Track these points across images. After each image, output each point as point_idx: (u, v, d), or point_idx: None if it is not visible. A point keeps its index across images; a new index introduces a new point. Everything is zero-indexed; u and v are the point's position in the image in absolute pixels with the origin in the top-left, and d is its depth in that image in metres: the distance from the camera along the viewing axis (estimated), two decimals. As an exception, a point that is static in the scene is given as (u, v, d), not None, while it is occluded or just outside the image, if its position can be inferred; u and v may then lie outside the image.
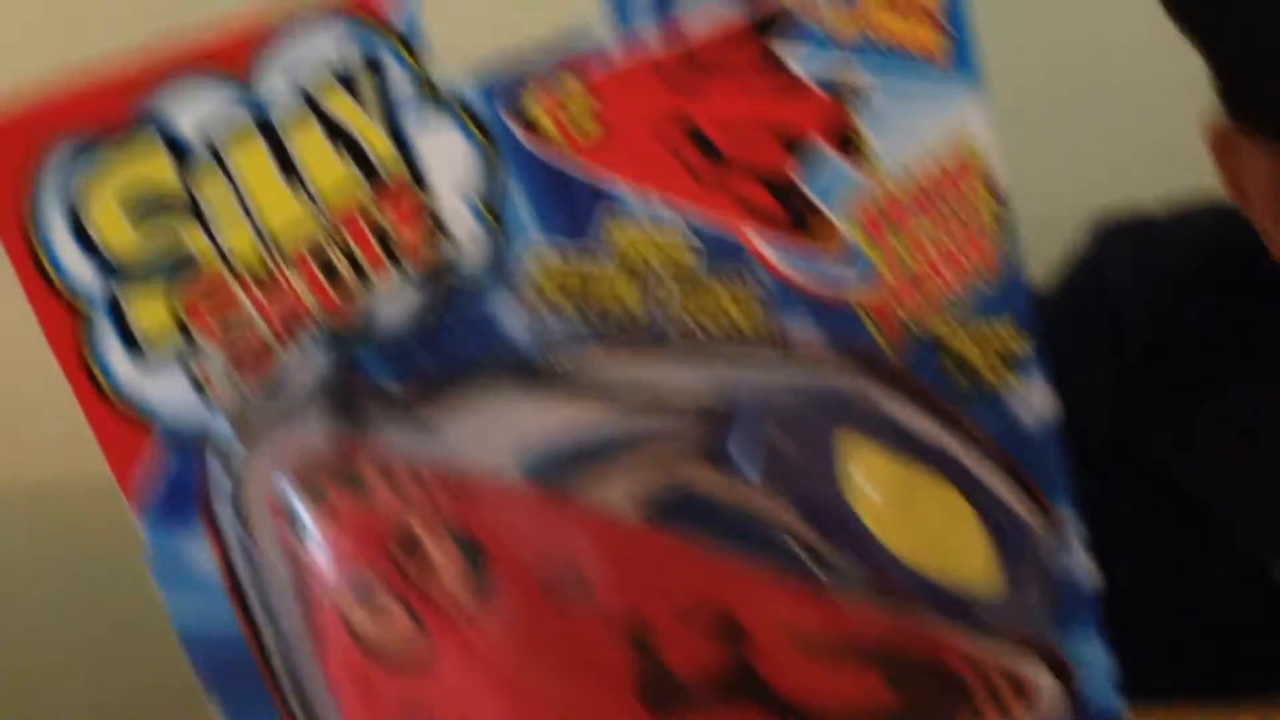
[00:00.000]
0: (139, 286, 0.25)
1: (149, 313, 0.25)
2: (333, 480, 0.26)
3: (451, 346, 0.28)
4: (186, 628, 0.26)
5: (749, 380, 0.31)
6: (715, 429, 0.30)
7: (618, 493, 0.30)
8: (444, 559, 0.26)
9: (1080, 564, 0.36)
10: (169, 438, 0.26)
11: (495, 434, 0.28)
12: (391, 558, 0.26)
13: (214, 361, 0.26)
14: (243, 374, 0.26)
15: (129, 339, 0.25)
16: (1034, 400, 0.34)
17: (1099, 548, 0.49)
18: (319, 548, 0.26)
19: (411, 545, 0.26)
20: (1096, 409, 0.54)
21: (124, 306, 0.25)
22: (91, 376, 0.25)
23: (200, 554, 0.26)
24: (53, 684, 0.95)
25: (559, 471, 0.29)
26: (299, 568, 0.26)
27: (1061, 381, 0.46)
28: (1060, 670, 0.36)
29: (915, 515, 0.32)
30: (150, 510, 0.26)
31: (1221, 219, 0.50)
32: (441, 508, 0.26)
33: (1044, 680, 0.36)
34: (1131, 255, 0.55)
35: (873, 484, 0.31)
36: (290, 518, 0.26)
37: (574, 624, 0.28)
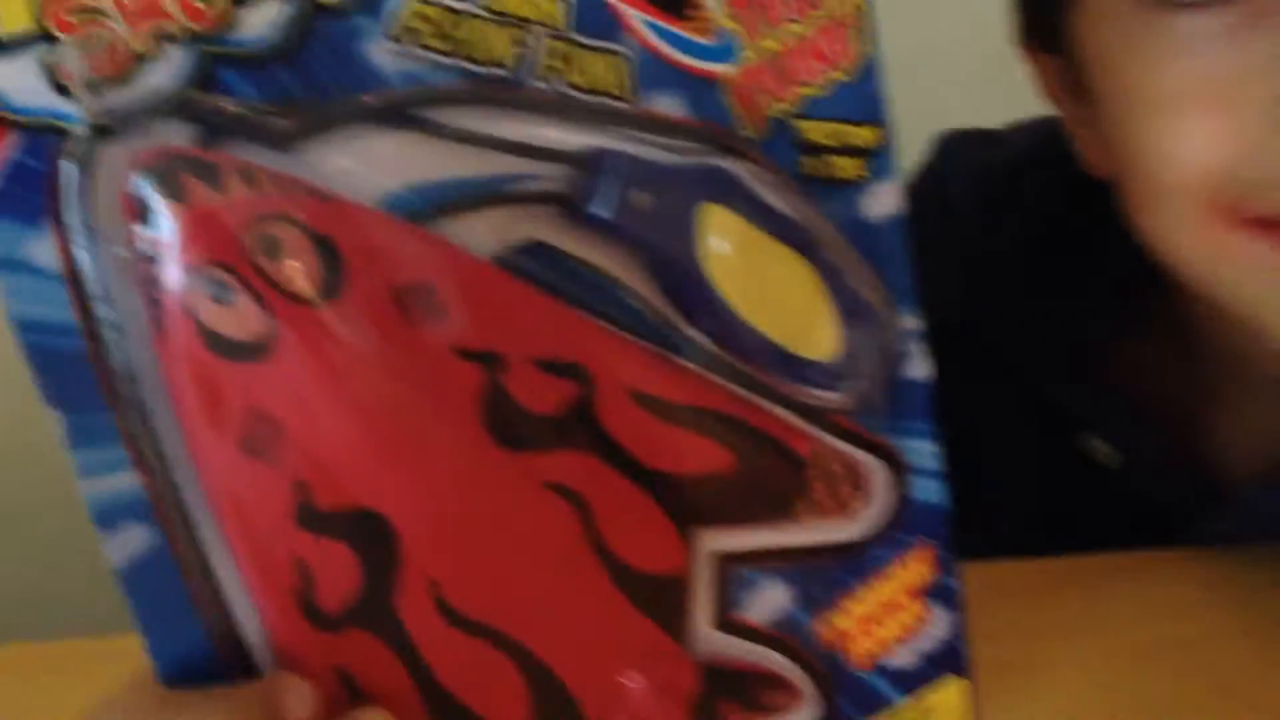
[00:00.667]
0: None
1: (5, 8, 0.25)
2: (191, 175, 0.26)
3: (316, 70, 0.28)
4: (21, 311, 0.26)
5: (615, 145, 0.31)
6: (579, 187, 0.31)
7: (477, 238, 0.30)
8: (298, 254, 0.26)
9: (919, 367, 0.38)
10: (20, 127, 0.25)
11: (355, 165, 0.28)
12: (245, 250, 0.26)
13: (72, 57, 0.26)
14: (102, 73, 0.26)
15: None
16: (883, 196, 0.35)
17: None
18: (172, 241, 0.26)
19: (266, 240, 0.26)
20: (948, 301, 0.57)
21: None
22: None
23: (41, 246, 0.26)
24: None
25: (419, 209, 0.29)
26: (145, 265, 0.26)
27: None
28: (894, 464, 0.38)
29: (767, 285, 0.33)
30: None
31: (1052, 128, 0.53)
32: (300, 207, 0.27)
33: (878, 472, 0.38)
34: (968, 160, 0.59)
35: (729, 252, 0.32)
36: (143, 214, 0.26)
37: (424, 343, 0.29)
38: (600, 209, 0.31)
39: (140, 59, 0.26)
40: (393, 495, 0.30)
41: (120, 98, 0.26)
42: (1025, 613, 0.49)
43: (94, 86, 0.26)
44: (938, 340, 0.56)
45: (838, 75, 0.35)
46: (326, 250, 0.27)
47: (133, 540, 0.28)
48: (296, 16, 0.27)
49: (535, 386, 0.30)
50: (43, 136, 0.26)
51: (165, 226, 0.26)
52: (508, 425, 0.30)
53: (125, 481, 0.28)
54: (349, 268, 0.27)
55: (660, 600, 0.35)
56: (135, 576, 0.28)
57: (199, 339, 0.27)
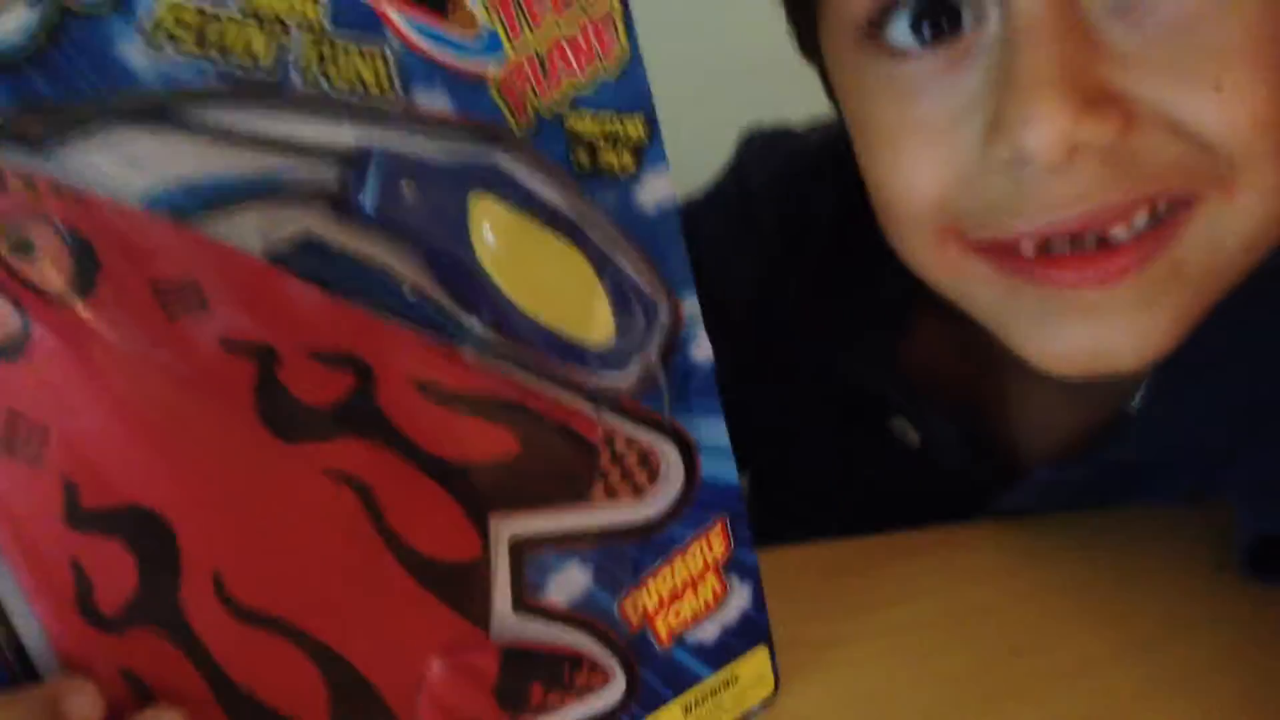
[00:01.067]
0: None
1: None
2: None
3: (69, 73, 0.28)
4: None
5: (383, 140, 0.32)
6: (346, 181, 0.32)
7: (244, 234, 0.31)
8: (51, 253, 0.27)
9: (701, 349, 0.39)
10: None
11: (114, 165, 0.29)
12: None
13: None
14: None
15: None
16: (655, 185, 0.37)
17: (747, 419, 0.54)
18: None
19: (16, 239, 0.27)
20: (740, 299, 0.59)
21: None
22: None
23: None
24: None
25: (181, 207, 0.30)
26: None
27: (709, 277, 0.50)
28: (684, 445, 0.39)
29: (540, 273, 0.34)
30: None
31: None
32: (52, 208, 0.27)
33: (669, 453, 0.39)
34: (769, 158, 0.61)
35: (501, 243, 0.33)
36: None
37: (191, 339, 0.29)
38: (368, 203, 0.31)
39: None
40: (165, 490, 0.30)
41: None
42: (842, 590, 0.51)
43: None
44: (743, 328, 0.58)
45: (602, 70, 0.36)
46: (81, 248, 0.27)
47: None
48: (45, 20, 0.27)
49: (311, 378, 0.31)
50: None
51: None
52: (283, 417, 0.31)
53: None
54: (106, 265, 0.28)
55: (457, 586, 0.36)
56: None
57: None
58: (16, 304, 0.27)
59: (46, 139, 0.28)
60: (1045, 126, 0.38)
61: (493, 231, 0.33)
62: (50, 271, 0.27)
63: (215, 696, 0.32)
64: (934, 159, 0.43)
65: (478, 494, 0.35)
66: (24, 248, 0.27)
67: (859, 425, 0.59)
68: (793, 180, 0.59)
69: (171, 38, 0.29)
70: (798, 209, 0.58)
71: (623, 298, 0.36)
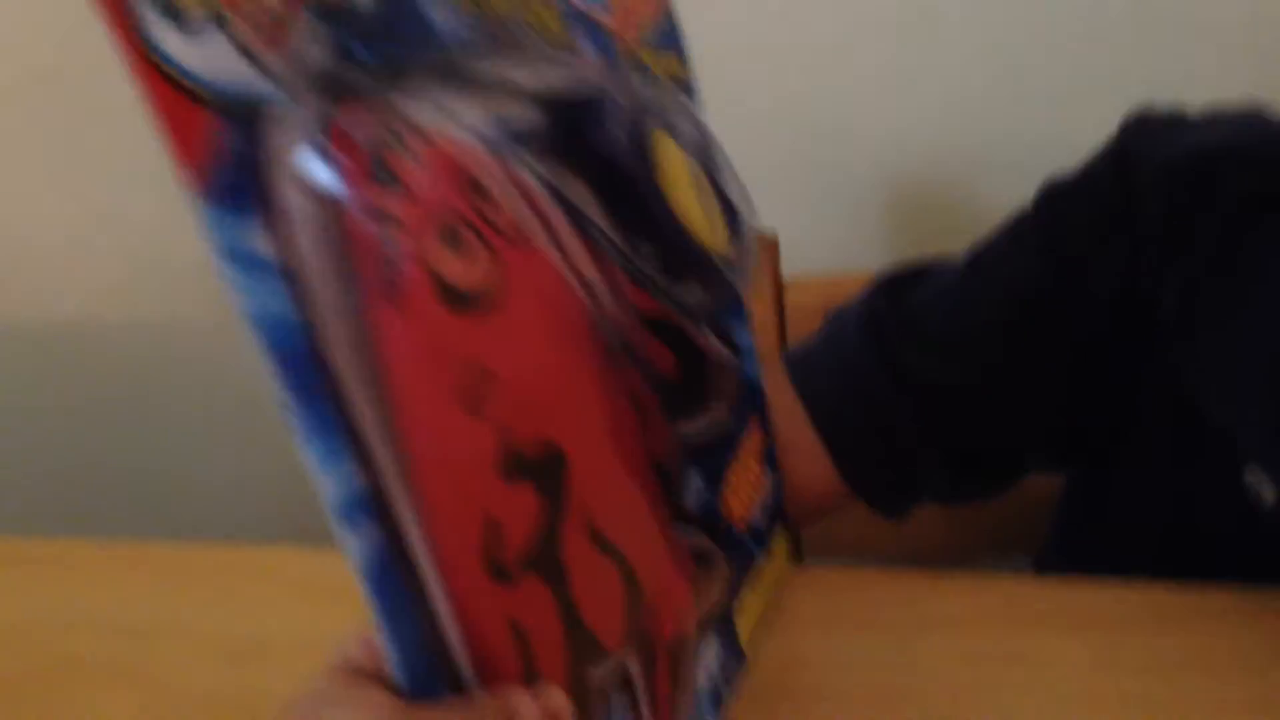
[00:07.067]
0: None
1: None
2: (393, 145, 0.25)
3: (403, 30, 0.28)
4: (252, 310, 0.24)
5: (582, 83, 0.35)
6: (561, 122, 0.34)
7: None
8: (502, 194, 0.27)
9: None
10: (222, 107, 0.24)
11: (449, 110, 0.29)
12: (467, 197, 0.26)
13: (238, 30, 0.24)
14: (265, 45, 0.25)
15: (167, 8, 0.23)
16: (696, 112, 0.42)
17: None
18: (404, 199, 0.25)
19: (474, 185, 0.27)
20: (1104, 289, 0.51)
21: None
22: (144, 52, 0.22)
23: (258, 236, 0.24)
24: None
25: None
26: (370, 233, 0.25)
27: (1074, 262, 0.48)
28: (734, 348, 0.45)
29: (697, 199, 0.38)
30: (215, 190, 0.23)
31: (1249, 117, 0.51)
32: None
33: (729, 357, 0.44)
34: (1156, 140, 0.52)
35: (678, 176, 0.37)
36: (374, 175, 0.25)
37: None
38: (596, 137, 0.34)
39: (288, 27, 0.25)
40: (568, 426, 0.31)
41: (295, 68, 0.25)
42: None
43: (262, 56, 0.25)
44: (1098, 317, 0.50)
45: (657, 22, 0.41)
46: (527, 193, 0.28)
47: (361, 540, 0.27)
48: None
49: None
50: (245, 119, 0.24)
51: (395, 187, 0.25)
52: (611, 346, 0.33)
53: (353, 477, 0.26)
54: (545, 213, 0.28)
55: (667, 497, 0.39)
56: (371, 576, 0.27)
57: (434, 294, 0.26)
58: (491, 248, 0.27)
59: (406, 89, 0.28)
60: None
61: (668, 163, 0.37)
62: (505, 208, 0.27)
63: (566, 636, 0.33)
64: None
65: (668, 403, 0.39)
66: (476, 188, 0.27)
67: (1202, 463, 0.51)
68: (1183, 157, 0.50)
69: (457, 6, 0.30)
70: (1193, 213, 0.50)
71: (730, 212, 0.40)
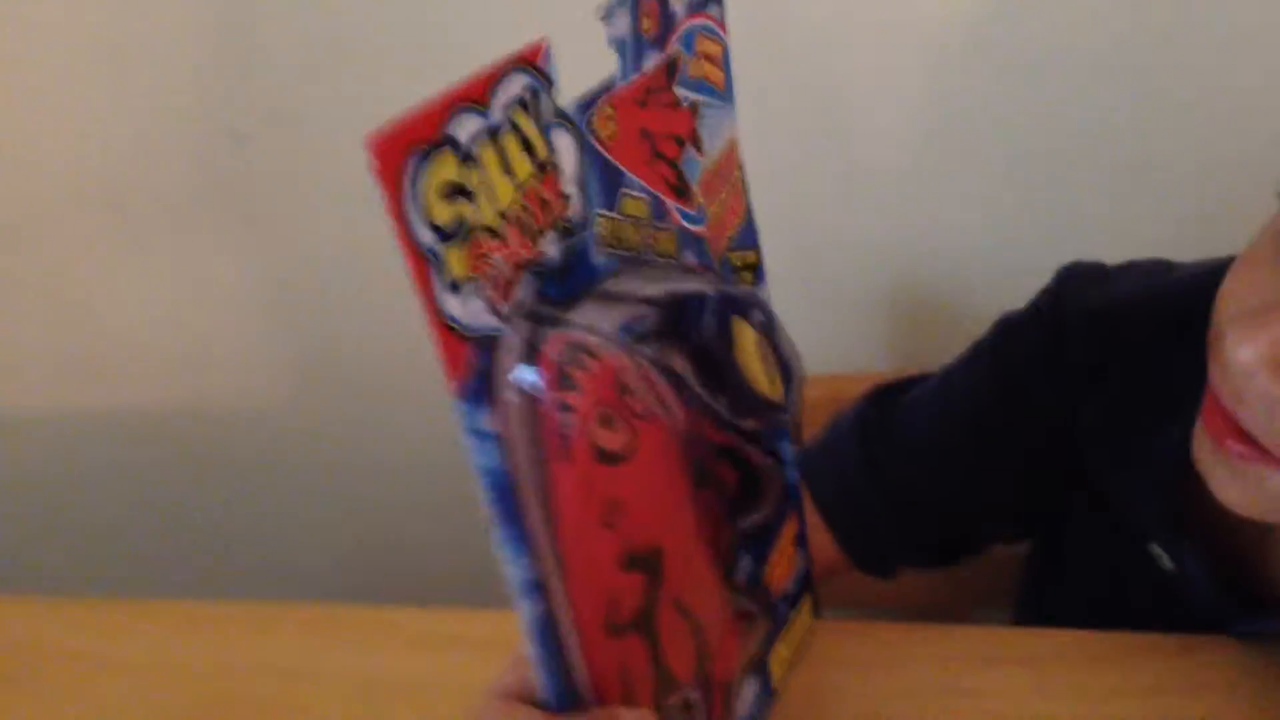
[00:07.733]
0: (451, 246, 0.38)
1: (456, 262, 0.38)
2: (572, 358, 0.41)
3: (578, 272, 0.43)
4: (482, 462, 0.39)
5: (687, 287, 0.49)
6: (671, 316, 0.48)
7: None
8: (643, 392, 0.42)
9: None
10: (474, 341, 0.38)
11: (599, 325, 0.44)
12: (617, 392, 0.42)
13: (485, 291, 0.39)
14: (500, 298, 0.40)
15: (451, 283, 0.38)
16: (764, 295, 0.56)
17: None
18: (578, 394, 0.40)
19: (621, 384, 0.42)
20: (1045, 406, 0.66)
21: (444, 260, 0.38)
22: (438, 313, 0.37)
23: (485, 417, 0.39)
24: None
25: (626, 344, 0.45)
26: (552, 415, 0.40)
27: (1024, 382, 0.65)
28: (779, 461, 0.59)
29: (764, 366, 0.53)
30: (466, 392, 0.38)
31: (1154, 272, 0.65)
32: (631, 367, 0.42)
33: (775, 468, 0.59)
34: (1083, 289, 0.66)
35: (749, 348, 0.52)
36: (560, 380, 0.40)
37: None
38: (693, 329, 0.49)
39: (515, 284, 0.40)
40: (666, 531, 0.46)
41: (511, 309, 0.40)
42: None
43: (498, 305, 0.39)
44: (1041, 427, 0.67)
45: (739, 225, 0.55)
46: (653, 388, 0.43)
47: (531, 608, 0.41)
48: (565, 246, 0.43)
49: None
50: (487, 347, 0.39)
51: (573, 388, 0.40)
52: (695, 471, 0.48)
53: (528, 568, 0.41)
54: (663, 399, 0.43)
55: (727, 568, 0.53)
56: (535, 632, 0.42)
57: (590, 453, 0.41)
58: (630, 427, 0.42)
59: (577, 314, 0.43)
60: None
61: (745, 342, 0.51)
62: (644, 401, 0.42)
63: (654, 674, 0.47)
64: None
65: (730, 511, 0.53)
66: (629, 391, 0.42)
67: (1118, 538, 0.65)
68: (1105, 308, 0.64)
69: (602, 241, 0.45)
70: (1107, 336, 0.64)
71: (785, 369, 0.55)
